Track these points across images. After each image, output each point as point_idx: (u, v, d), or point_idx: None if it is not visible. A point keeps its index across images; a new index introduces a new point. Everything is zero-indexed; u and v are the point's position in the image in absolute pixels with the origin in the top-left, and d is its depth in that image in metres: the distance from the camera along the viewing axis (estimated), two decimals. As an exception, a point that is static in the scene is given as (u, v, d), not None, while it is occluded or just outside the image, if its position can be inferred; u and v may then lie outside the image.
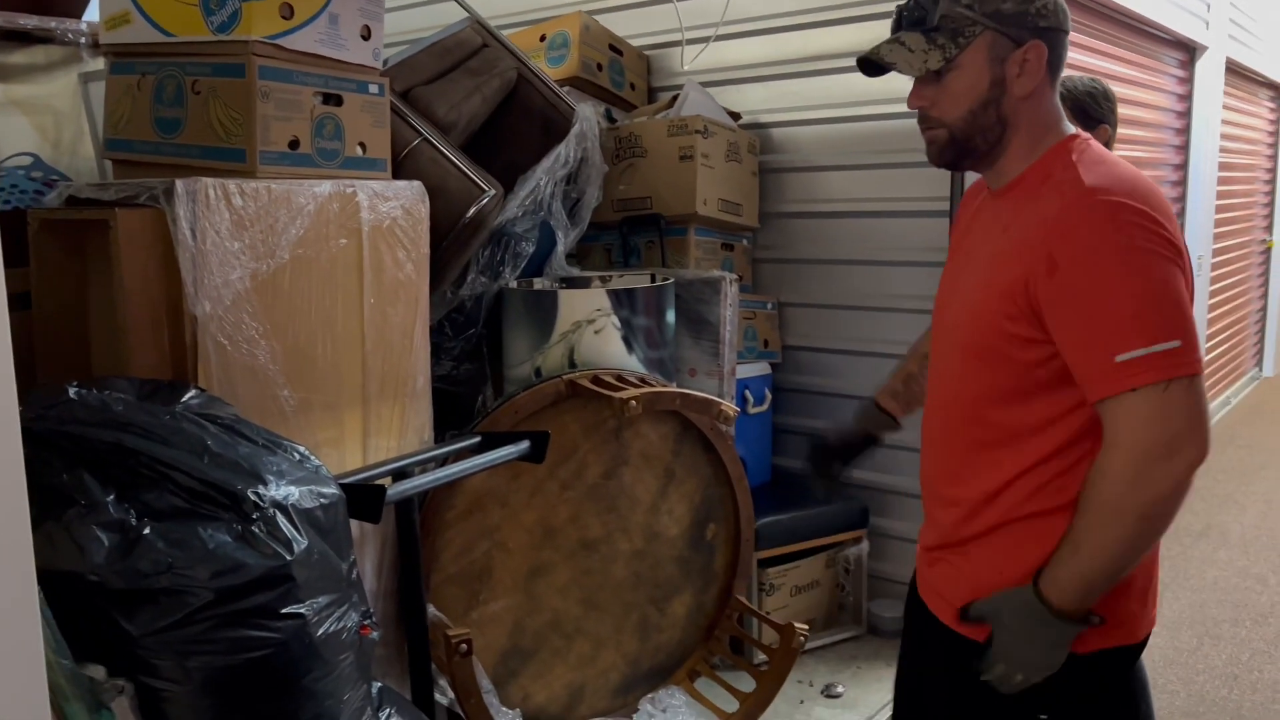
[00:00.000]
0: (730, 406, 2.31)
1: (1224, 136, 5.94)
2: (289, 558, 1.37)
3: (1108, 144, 2.18)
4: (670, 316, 2.61)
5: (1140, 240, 1.21)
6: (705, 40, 3.08)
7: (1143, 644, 1.42)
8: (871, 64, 1.40)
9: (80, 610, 1.25)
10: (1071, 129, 1.38)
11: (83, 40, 2.55)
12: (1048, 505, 1.34)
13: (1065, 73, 1.40)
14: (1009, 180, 1.38)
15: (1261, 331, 8.00)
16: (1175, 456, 1.19)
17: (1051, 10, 1.31)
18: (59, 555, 1.26)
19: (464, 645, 1.98)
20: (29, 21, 2.25)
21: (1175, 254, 1.23)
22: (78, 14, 2.60)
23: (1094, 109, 2.16)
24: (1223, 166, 5.98)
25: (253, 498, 1.37)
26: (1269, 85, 7.42)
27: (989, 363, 1.36)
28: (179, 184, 1.70)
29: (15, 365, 0.84)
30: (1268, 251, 7.89)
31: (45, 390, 1.43)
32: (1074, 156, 1.32)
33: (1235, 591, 3.67)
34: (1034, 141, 1.35)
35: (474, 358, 2.61)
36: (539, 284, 2.66)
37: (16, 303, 1.81)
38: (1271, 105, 7.69)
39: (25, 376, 0.95)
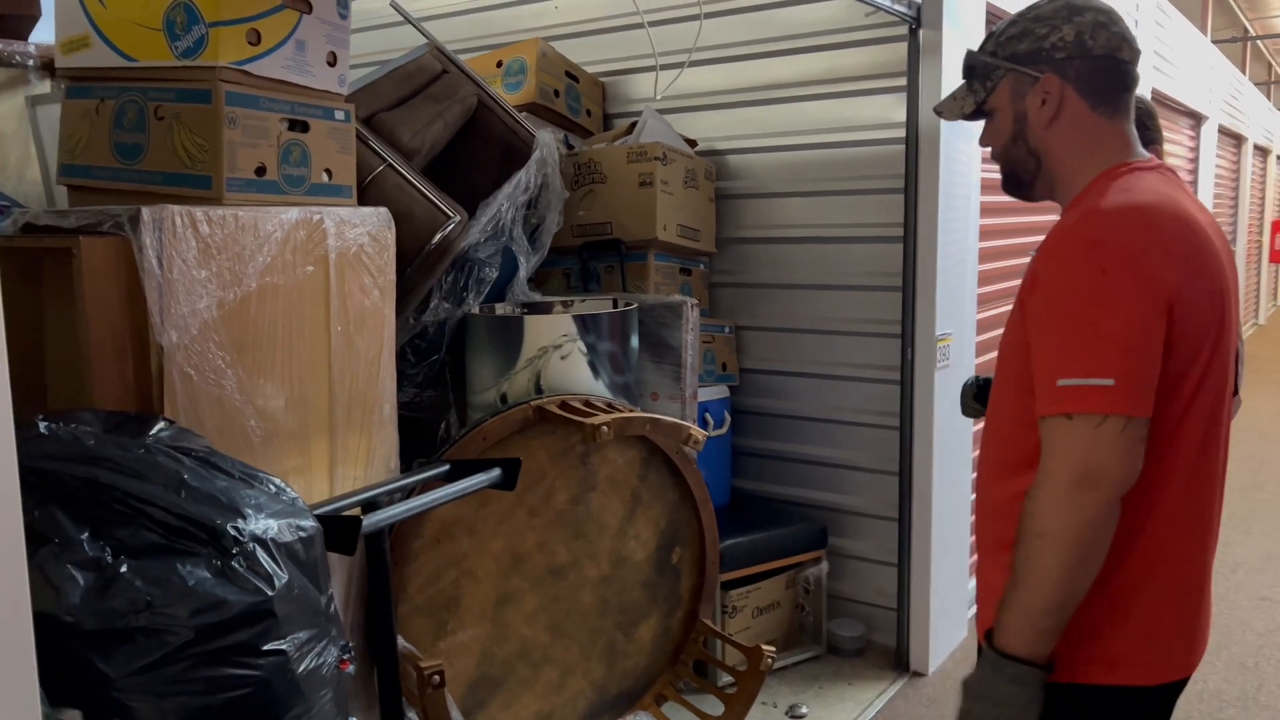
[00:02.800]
0: (700, 431, 2.32)
1: (1150, 163, 6.18)
2: (270, 593, 1.34)
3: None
4: (634, 341, 2.62)
5: (1111, 272, 1.22)
6: (679, 65, 3.12)
7: (1159, 691, 1.35)
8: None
9: (55, 653, 1.21)
10: (1130, 156, 1.38)
11: (30, 62, 2.48)
12: None
13: None
14: (1065, 206, 1.42)
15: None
16: (1100, 487, 1.21)
17: (1070, 42, 1.35)
18: (32, 596, 1.22)
19: (436, 677, 1.95)
20: (-25, 44, 2.19)
21: (1148, 292, 1.21)
22: (24, 35, 2.54)
23: (1142, 133, 2.14)
24: (1149, 192, 6.22)
25: (232, 532, 1.34)
26: (1188, 114, 7.74)
27: (1010, 371, 1.38)
28: (145, 211, 1.66)
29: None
30: (1191, 273, 8.19)
31: (12, 425, 1.38)
32: (1109, 183, 1.33)
33: (1176, 603, 3.79)
34: (1078, 167, 1.39)
35: (437, 384, 2.59)
36: (501, 309, 2.65)
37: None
38: (1190, 133, 8.02)
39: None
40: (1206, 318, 1.27)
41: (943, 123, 2.84)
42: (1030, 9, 1.41)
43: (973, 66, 1.45)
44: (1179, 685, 1.38)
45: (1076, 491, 1.21)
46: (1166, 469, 1.29)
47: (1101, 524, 1.22)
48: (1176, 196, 1.32)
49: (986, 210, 3.27)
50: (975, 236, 3.22)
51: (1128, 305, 1.21)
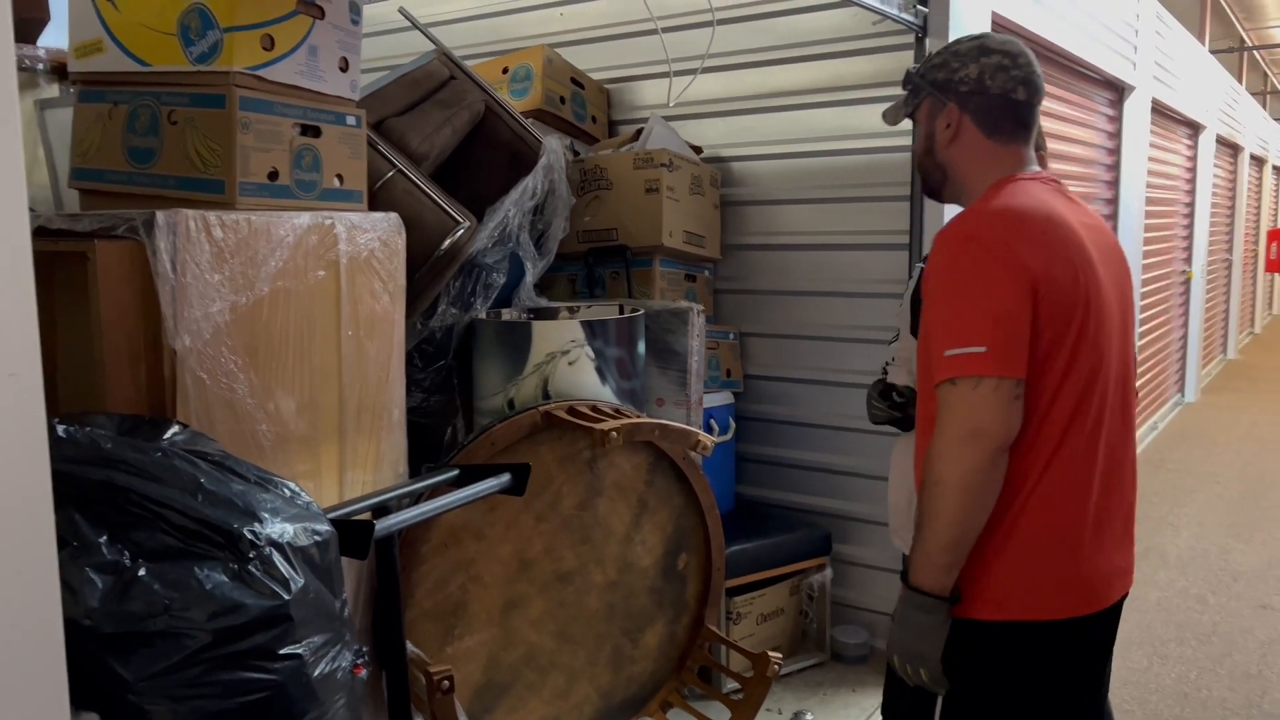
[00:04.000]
0: (708, 437, 2.32)
1: (1149, 173, 6.21)
2: (286, 597, 1.34)
3: None
4: (641, 347, 2.62)
5: (981, 260, 1.45)
6: (689, 73, 3.13)
7: (1050, 627, 1.52)
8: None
9: (73, 655, 1.21)
10: (1020, 171, 1.60)
11: (40, 66, 2.49)
12: None
13: None
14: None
15: (1183, 359, 8.33)
16: (982, 440, 1.42)
17: (973, 79, 1.60)
18: (51, 599, 1.22)
19: (446, 682, 1.95)
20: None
21: (1013, 275, 1.44)
22: (32, 39, 2.54)
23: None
24: (1149, 201, 6.25)
25: (249, 536, 1.34)
26: (1186, 123, 7.78)
27: (925, 367, 1.58)
28: (160, 215, 1.66)
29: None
30: (1187, 282, 8.24)
31: (29, 427, 1.38)
32: (995, 191, 1.57)
33: (1178, 612, 3.80)
34: (977, 180, 1.63)
35: (444, 389, 2.59)
36: (508, 315, 2.66)
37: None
38: (1189, 142, 8.06)
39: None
40: (1071, 299, 1.47)
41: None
42: (956, 41, 1.65)
43: (909, 81, 1.70)
44: (1078, 624, 1.53)
45: (964, 445, 1.43)
46: (1044, 433, 1.49)
47: (986, 472, 1.43)
48: (1050, 201, 1.54)
49: (990, 218, 3.28)
50: (979, 244, 3.24)
51: (995, 286, 1.44)
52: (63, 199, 2.43)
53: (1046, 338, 1.46)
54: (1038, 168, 1.62)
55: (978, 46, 1.61)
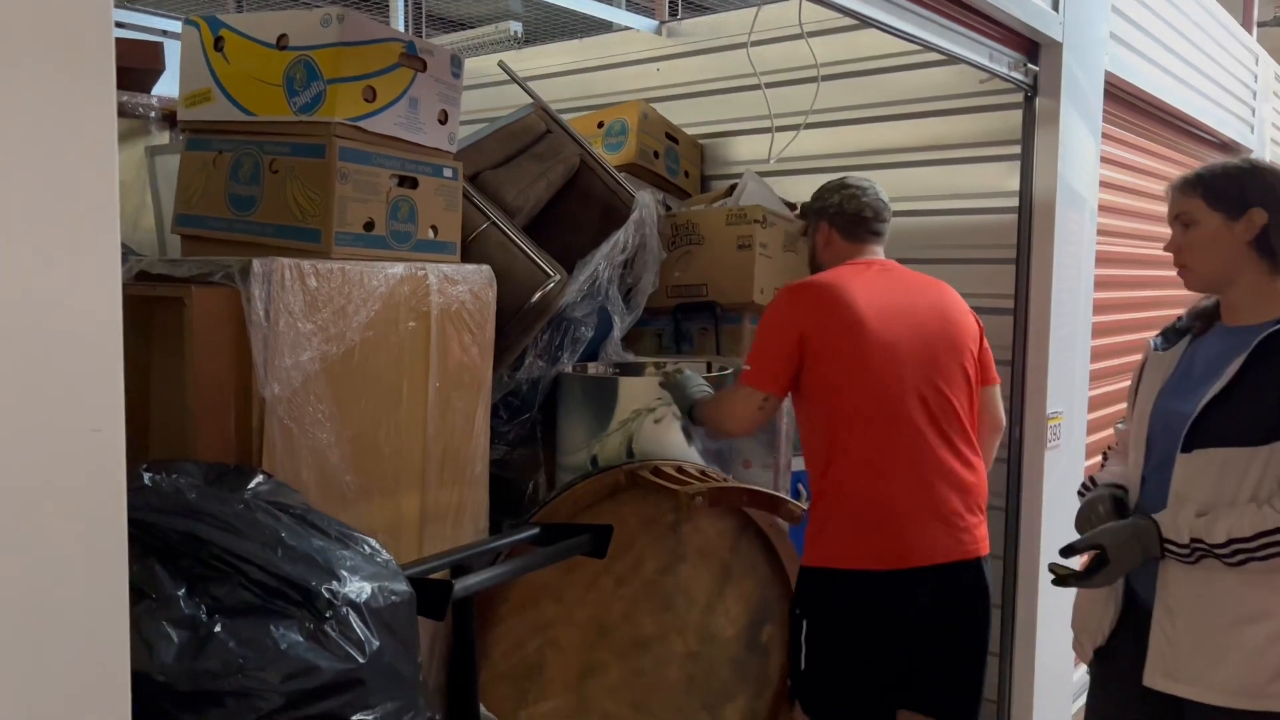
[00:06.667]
0: (797, 504, 2.23)
1: (1264, 238, 5.91)
2: (361, 660, 1.30)
3: (1264, 228, 1.79)
4: (730, 407, 2.54)
5: (772, 311, 2.22)
6: (792, 128, 3.08)
7: (848, 575, 2.10)
8: None
9: (145, 712, 1.17)
10: (861, 259, 2.28)
11: (152, 114, 2.56)
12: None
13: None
14: None
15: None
16: (727, 423, 2.24)
17: (835, 205, 2.32)
18: (126, 653, 1.19)
19: (519, 751, 1.88)
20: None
21: (782, 324, 2.17)
22: (147, 88, 2.63)
23: (1234, 192, 1.89)
24: (1264, 268, 5.94)
25: (326, 595, 1.30)
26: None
27: None
28: (256, 263, 1.66)
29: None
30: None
31: (117, 474, 1.37)
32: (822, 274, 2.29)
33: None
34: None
35: (527, 443, 2.55)
36: (594, 369, 2.61)
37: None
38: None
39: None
40: (840, 343, 2.09)
41: (1058, 193, 2.74)
42: (829, 181, 2.37)
43: (804, 213, 2.46)
44: (874, 576, 2.08)
45: (722, 421, 2.25)
46: (840, 431, 2.10)
47: (729, 430, 2.30)
48: (846, 278, 2.18)
49: (1100, 283, 3.13)
50: (1089, 310, 3.08)
51: (772, 330, 2.17)
52: (167, 244, 2.49)
53: (820, 368, 2.09)
54: (878, 257, 2.30)
55: (839, 184, 2.32)
